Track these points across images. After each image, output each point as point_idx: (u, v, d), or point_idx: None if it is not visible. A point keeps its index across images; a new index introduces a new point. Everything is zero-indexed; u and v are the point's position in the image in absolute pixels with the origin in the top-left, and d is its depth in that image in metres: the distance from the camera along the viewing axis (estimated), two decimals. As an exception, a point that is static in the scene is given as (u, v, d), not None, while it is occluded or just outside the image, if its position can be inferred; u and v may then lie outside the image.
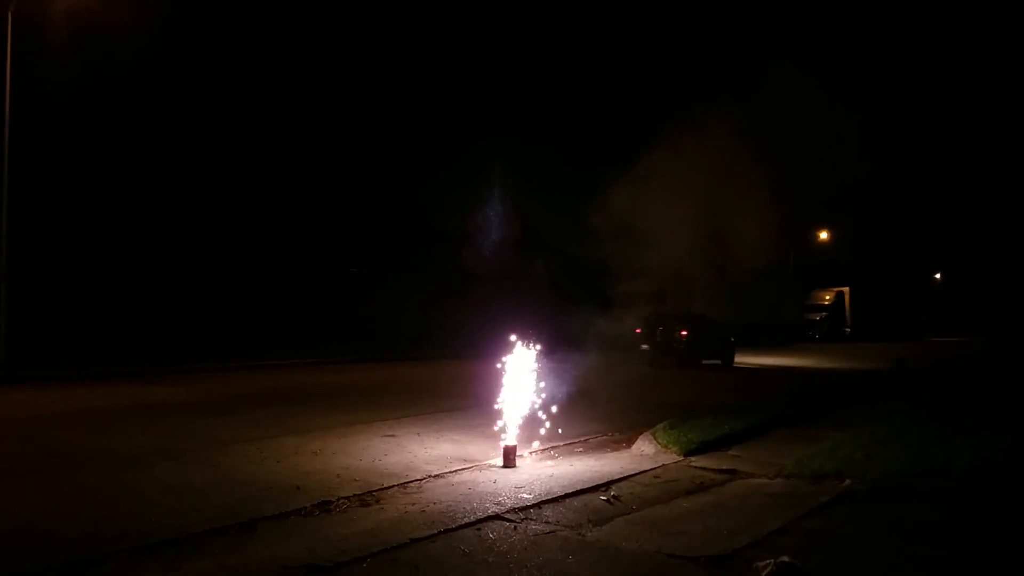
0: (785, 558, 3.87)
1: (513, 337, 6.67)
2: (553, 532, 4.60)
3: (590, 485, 5.75)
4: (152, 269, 20.56)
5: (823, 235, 42.57)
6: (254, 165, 24.10)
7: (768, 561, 3.86)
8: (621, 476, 6.15)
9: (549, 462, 6.77)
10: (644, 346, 18.63)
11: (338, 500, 5.29)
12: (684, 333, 18.40)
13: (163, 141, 21.34)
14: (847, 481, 5.90)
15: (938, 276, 62.22)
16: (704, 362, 18.27)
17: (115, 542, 4.25)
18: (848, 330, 41.39)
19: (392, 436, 7.75)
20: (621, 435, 8.31)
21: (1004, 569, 4.07)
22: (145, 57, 19.39)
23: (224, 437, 7.46)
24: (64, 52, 16.39)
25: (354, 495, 5.43)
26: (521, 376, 6.68)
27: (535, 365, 6.75)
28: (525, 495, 5.40)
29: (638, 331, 19.04)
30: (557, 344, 9.39)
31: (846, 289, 42.80)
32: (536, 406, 6.79)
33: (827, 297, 42.38)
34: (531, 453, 7.01)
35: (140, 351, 15.74)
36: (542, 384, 6.85)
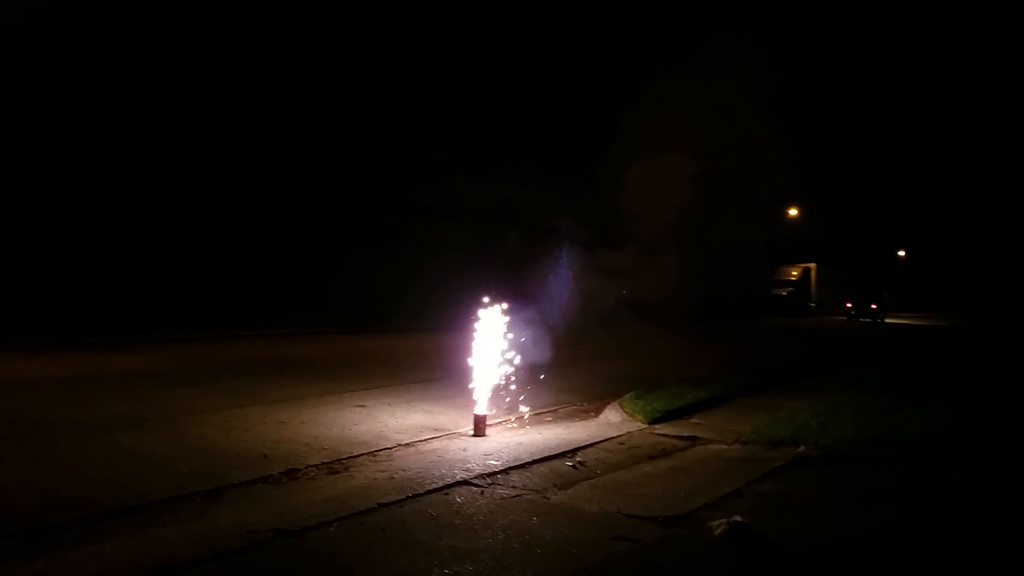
0: (738, 518, 4.03)
1: (485, 309, 6.73)
2: (519, 496, 4.72)
3: (557, 452, 5.88)
4: (118, 238, 20.10)
5: (792, 212, 43.29)
6: (223, 135, 23.53)
7: (721, 520, 4.02)
8: (587, 443, 6.30)
9: (518, 431, 6.89)
10: (852, 312, 35.52)
11: (306, 468, 5.34)
12: (874, 307, 35.42)
13: (129, 110, 20.72)
14: (801, 447, 6.12)
15: (902, 253, 63.73)
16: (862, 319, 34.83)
17: (78, 509, 4.25)
18: (813, 305, 42.33)
19: (363, 406, 7.79)
20: (589, 405, 8.48)
21: (944, 527, 4.30)
22: (107, 21, 18.71)
23: (190, 406, 7.42)
24: (13, 31, 15.78)
25: (323, 463, 5.48)
26: (492, 348, 6.75)
27: (507, 337, 6.83)
28: (493, 462, 5.51)
29: (848, 305, 36.19)
30: (530, 316, 9.48)
31: (813, 265, 43.68)
32: (507, 377, 6.89)
33: (794, 273, 43.21)
34: (501, 422, 7.13)
35: (105, 320, 15.44)
36: (513, 356, 6.94)
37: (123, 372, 9.86)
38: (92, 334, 13.51)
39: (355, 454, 5.78)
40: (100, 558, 3.55)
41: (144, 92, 21.15)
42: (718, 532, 3.92)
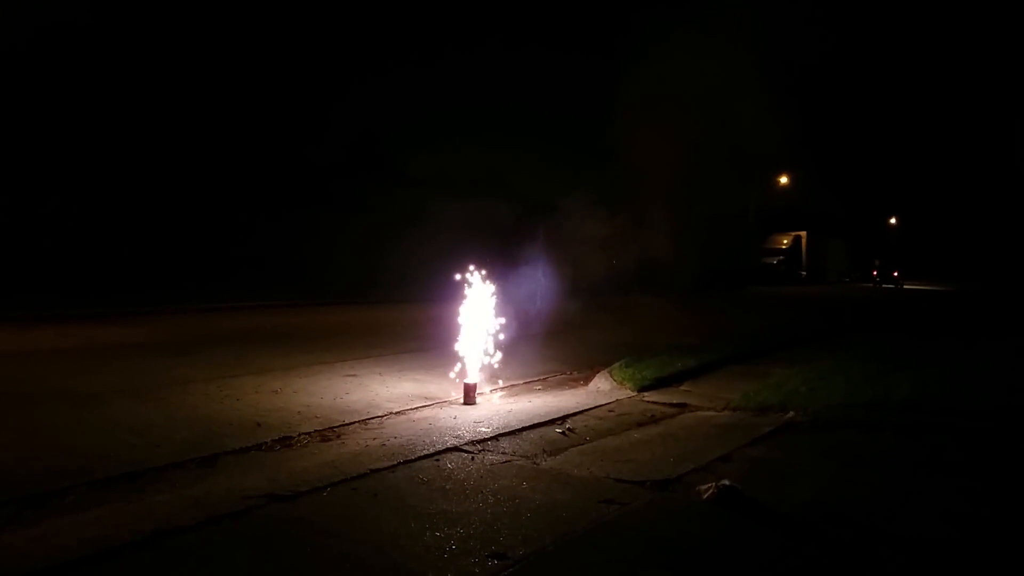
0: (726, 481, 4.09)
1: (473, 279, 6.72)
2: (509, 462, 4.77)
3: (546, 419, 5.94)
4: (104, 211, 19.91)
5: (782, 180, 43.24)
6: (206, 108, 23.12)
7: (710, 484, 4.08)
8: (576, 411, 6.36)
9: (508, 399, 6.95)
10: (877, 278, 42.28)
11: (299, 436, 5.38)
12: (896, 273, 42.08)
13: (112, 87, 20.33)
14: (790, 413, 6.19)
15: (893, 221, 63.91)
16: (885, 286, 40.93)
17: (74, 477, 4.28)
18: (804, 274, 42.57)
19: (354, 375, 7.82)
20: (579, 373, 8.54)
21: (931, 491, 4.37)
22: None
23: (183, 376, 7.44)
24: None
25: (315, 431, 5.52)
26: (483, 317, 6.77)
27: (495, 307, 6.84)
28: (483, 429, 5.56)
29: (875, 273, 43.12)
30: (519, 287, 9.50)
31: (803, 234, 43.79)
32: (497, 347, 6.92)
33: (785, 241, 43.34)
34: (491, 391, 7.18)
35: (93, 293, 15.36)
36: (504, 325, 6.96)
37: (114, 343, 9.83)
38: (81, 306, 13.44)
39: (347, 422, 5.82)
40: (97, 523, 3.59)
41: (127, 69, 20.72)
42: (706, 496, 3.98)
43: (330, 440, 5.35)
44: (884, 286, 40.69)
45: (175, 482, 4.31)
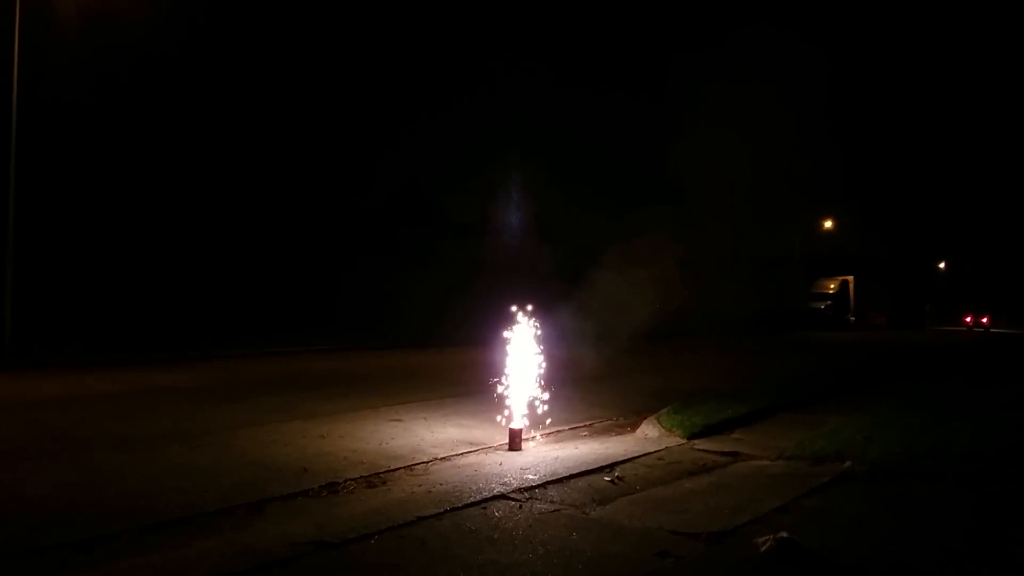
0: (784, 534, 3.93)
1: (519, 325, 6.71)
2: (557, 511, 4.67)
3: (594, 467, 5.81)
4: (159, 259, 20.69)
5: (828, 224, 42.65)
6: (259, 154, 24.09)
7: (767, 537, 3.93)
8: (625, 458, 6.22)
9: (555, 445, 6.84)
10: (970, 323, 43.96)
11: (345, 482, 5.38)
12: (984, 320, 44.47)
13: (168, 130, 21.37)
14: (847, 462, 5.95)
15: (942, 265, 62.22)
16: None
17: (125, 520, 4.34)
18: (853, 319, 41.47)
19: (399, 420, 7.83)
20: (625, 420, 8.38)
21: (998, 543, 4.13)
22: (148, 47, 19.38)
23: (232, 421, 7.55)
24: (68, 42, 16.49)
25: (361, 477, 5.51)
26: (527, 363, 6.73)
27: (541, 352, 6.80)
28: (530, 476, 5.47)
29: (967, 319, 44.54)
30: (563, 331, 9.47)
31: (851, 278, 42.87)
32: (542, 392, 6.85)
33: (832, 286, 42.48)
34: (537, 437, 7.09)
35: (146, 338, 15.85)
36: (548, 371, 6.90)
37: (165, 388, 10.08)
38: (134, 351, 13.87)
39: (392, 468, 5.80)
40: (147, 569, 3.62)
41: (186, 114, 21.78)
42: (764, 549, 3.82)
43: (376, 486, 5.33)
44: (975, 330, 42.80)
45: (224, 527, 4.33)
